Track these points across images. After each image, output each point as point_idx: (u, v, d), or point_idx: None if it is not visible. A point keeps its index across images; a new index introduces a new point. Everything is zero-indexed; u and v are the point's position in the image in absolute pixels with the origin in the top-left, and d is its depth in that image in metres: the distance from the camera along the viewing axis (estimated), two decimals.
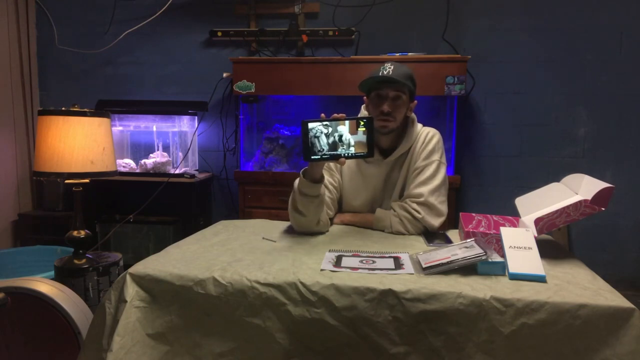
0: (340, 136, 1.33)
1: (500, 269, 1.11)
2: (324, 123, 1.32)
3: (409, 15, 2.95)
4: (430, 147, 1.59)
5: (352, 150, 1.34)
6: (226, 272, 1.10)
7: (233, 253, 1.28)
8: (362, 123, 1.33)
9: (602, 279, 1.11)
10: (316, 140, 1.33)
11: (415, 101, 1.62)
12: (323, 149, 1.33)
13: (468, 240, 1.24)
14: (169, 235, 2.87)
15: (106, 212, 2.93)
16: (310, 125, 1.32)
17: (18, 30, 3.12)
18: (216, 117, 3.17)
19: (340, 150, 1.34)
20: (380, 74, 1.53)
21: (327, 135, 1.33)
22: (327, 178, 1.65)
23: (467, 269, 1.12)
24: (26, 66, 3.18)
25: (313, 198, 1.43)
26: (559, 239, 2.84)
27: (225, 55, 3.09)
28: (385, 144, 1.63)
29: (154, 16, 3.08)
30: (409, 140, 1.60)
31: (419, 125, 1.66)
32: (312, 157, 1.34)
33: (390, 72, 1.53)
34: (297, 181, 1.47)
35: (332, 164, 1.67)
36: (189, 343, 1.10)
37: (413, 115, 1.66)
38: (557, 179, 1.51)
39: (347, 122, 1.33)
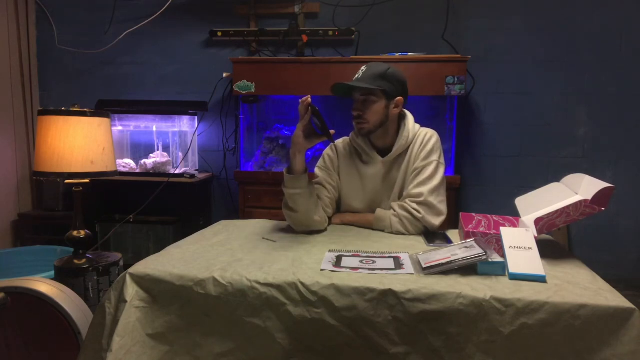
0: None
1: (500, 269, 1.11)
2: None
3: (409, 15, 2.95)
4: (429, 147, 1.59)
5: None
6: (226, 272, 1.10)
7: (233, 253, 1.28)
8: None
9: (602, 279, 1.11)
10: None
11: (400, 97, 1.58)
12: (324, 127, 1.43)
13: (468, 240, 1.24)
14: (169, 235, 2.87)
15: (106, 212, 2.93)
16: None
17: (18, 30, 3.12)
18: (216, 117, 3.17)
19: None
20: (353, 79, 1.57)
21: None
22: (325, 177, 1.66)
23: (467, 269, 1.12)
24: (26, 66, 3.18)
25: (301, 191, 1.45)
26: (559, 239, 2.84)
27: (225, 55, 3.09)
28: (380, 144, 1.63)
29: (154, 16, 3.08)
30: (405, 138, 1.60)
31: (417, 126, 1.65)
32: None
33: (360, 75, 1.57)
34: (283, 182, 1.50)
35: (329, 164, 1.69)
36: (189, 343, 1.10)
37: (406, 112, 1.66)
38: (557, 179, 1.51)
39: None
